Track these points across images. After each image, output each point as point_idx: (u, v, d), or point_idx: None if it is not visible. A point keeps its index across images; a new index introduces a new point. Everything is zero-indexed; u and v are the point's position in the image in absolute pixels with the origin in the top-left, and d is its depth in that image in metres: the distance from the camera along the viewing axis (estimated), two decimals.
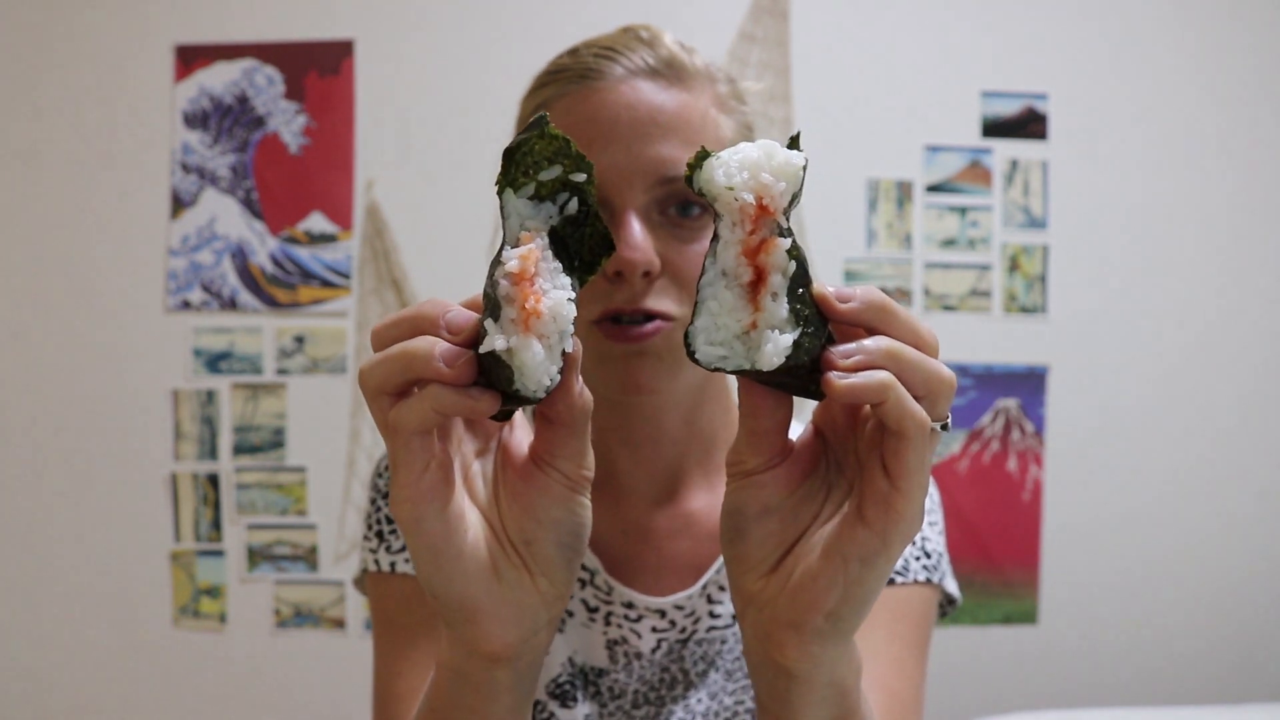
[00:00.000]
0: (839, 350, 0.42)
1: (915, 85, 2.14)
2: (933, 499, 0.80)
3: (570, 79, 0.67)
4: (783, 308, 0.43)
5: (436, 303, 0.43)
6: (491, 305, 0.42)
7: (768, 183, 0.43)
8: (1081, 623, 2.15)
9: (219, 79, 2.10)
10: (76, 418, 2.09)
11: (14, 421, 2.10)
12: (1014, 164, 2.15)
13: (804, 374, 0.44)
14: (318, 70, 2.10)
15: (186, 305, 2.10)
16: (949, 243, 2.14)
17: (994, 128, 2.15)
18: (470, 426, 0.49)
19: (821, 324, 0.44)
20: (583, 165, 0.45)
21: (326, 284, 2.10)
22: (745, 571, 0.47)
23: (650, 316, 0.65)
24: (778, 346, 0.43)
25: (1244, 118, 2.17)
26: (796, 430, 0.78)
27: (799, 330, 0.43)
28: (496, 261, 0.43)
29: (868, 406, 0.44)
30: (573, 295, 0.43)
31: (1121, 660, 2.16)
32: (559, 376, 0.43)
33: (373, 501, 0.77)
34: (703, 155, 0.45)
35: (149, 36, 2.09)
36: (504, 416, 0.46)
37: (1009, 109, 2.15)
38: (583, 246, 0.46)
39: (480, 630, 0.46)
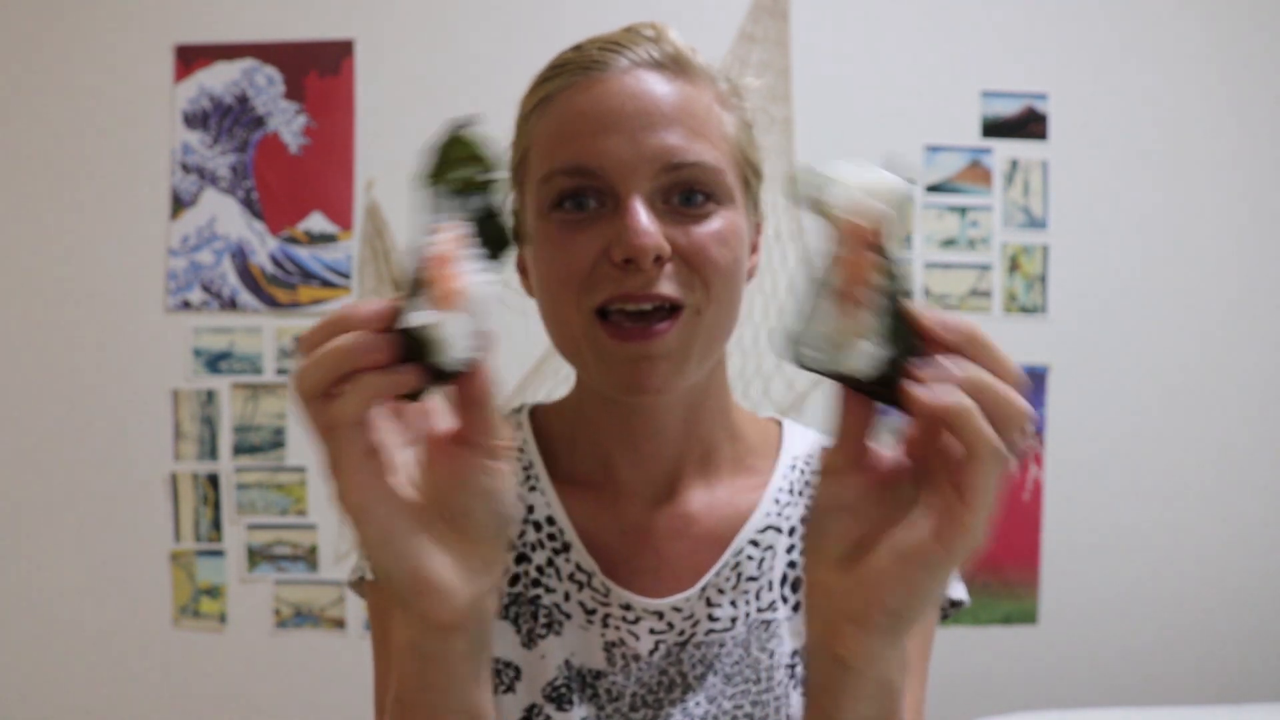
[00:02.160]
0: (926, 369, 0.47)
1: (915, 85, 2.14)
2: None
3: (574, 70, 0.67)
4: (878, 321, 0.48)
5: (350, 305, 0.47)
6: (414, 285, 0.46)
7: (872, 205, 0.48)
8: (1081, 623, 2.15)
9: (219, 79, 2.10)
10: (77, 418, 2.09)
11: (14, 421, 2.10)
12: (1014, 164, 2.15)
13: (893, 386, 0.48)
14: (318, 70, 2.10)
15: (186, 305, 2.10)
16: (949, 243, 2.14)
17: (994, 128, 2.15)
18: (396, 418, 0.52)
19: (914, 341, 0.48)
20: (491, 167, 0.50)
21: (326, 284, 2.10)
22: (819, 562, 0.52)
23: (661, 304, 0.64)
24: (868, 357, 0.48)
25: (1245, 117, 2.17)
26: (808, 437, 0.79)
27: (891, 344, 0.48)
28: (418, 245, 0.48)
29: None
30: (491, 280, 0.47)
31: (1121, 660, 2.16)
32: (475, 354, 0.47)
33: None
34: (816, 172, 0.49)
35: (149, 36, 2.09)
36: (419, 395, 0.49)
37: (1009, 109, 2.15)
38: (490, 240, 0.50)
39: (433, 602, 0.50)
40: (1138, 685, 2.15)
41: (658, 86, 0.65)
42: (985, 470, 0.46)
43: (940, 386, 0.46)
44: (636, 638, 0.70)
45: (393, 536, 0.49)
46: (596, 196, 0.64)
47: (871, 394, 0.50)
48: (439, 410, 0.52)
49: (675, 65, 0.67)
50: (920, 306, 0.48)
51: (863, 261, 0.48)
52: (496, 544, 0.52)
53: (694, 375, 0.67)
